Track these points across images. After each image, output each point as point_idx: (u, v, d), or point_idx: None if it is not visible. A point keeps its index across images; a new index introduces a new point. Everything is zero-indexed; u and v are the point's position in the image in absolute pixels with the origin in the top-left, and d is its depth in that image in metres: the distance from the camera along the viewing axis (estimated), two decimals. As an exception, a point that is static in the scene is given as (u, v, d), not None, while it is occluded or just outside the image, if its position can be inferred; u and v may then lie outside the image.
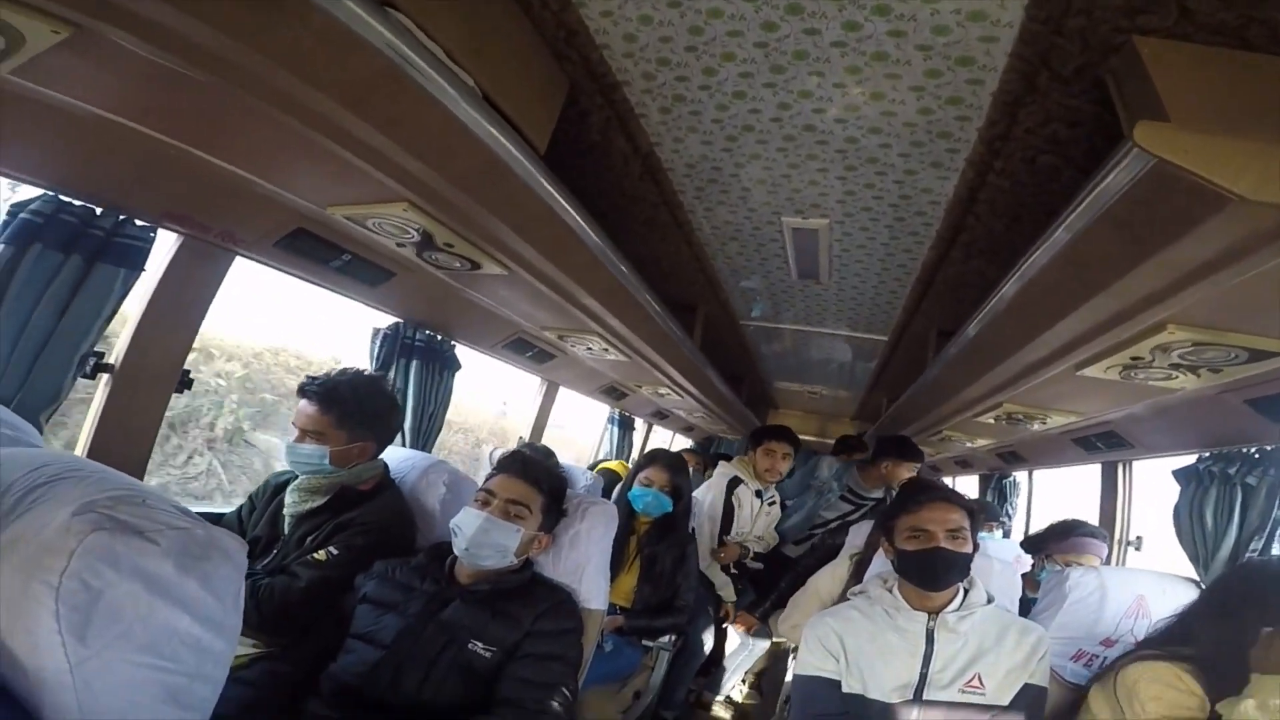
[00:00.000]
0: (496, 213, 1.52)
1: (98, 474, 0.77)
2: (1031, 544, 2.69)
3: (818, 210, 2.08)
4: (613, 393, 4.23)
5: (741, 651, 3.52)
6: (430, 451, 2.50)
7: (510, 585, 1.64)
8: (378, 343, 2.36)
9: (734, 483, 3.35)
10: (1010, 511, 4.57)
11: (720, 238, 2.47)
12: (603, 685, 2.31)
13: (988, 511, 3.69)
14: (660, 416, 5.59)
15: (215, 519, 1.87)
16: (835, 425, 6.38)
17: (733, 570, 3.34)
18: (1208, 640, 1.45)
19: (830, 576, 2.32)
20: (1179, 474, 2.33)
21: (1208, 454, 2.22)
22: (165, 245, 1.67)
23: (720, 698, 3.49)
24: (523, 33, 1.42)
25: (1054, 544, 2.59)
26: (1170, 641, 1.54)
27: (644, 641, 2.53)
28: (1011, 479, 4.65)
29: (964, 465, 5.09)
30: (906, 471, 3.45)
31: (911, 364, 3.45)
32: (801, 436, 6.16)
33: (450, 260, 1.83)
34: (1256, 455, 2.05)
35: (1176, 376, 1.73)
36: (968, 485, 5.56)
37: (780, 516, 3.61)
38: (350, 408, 1.77)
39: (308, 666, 1.53)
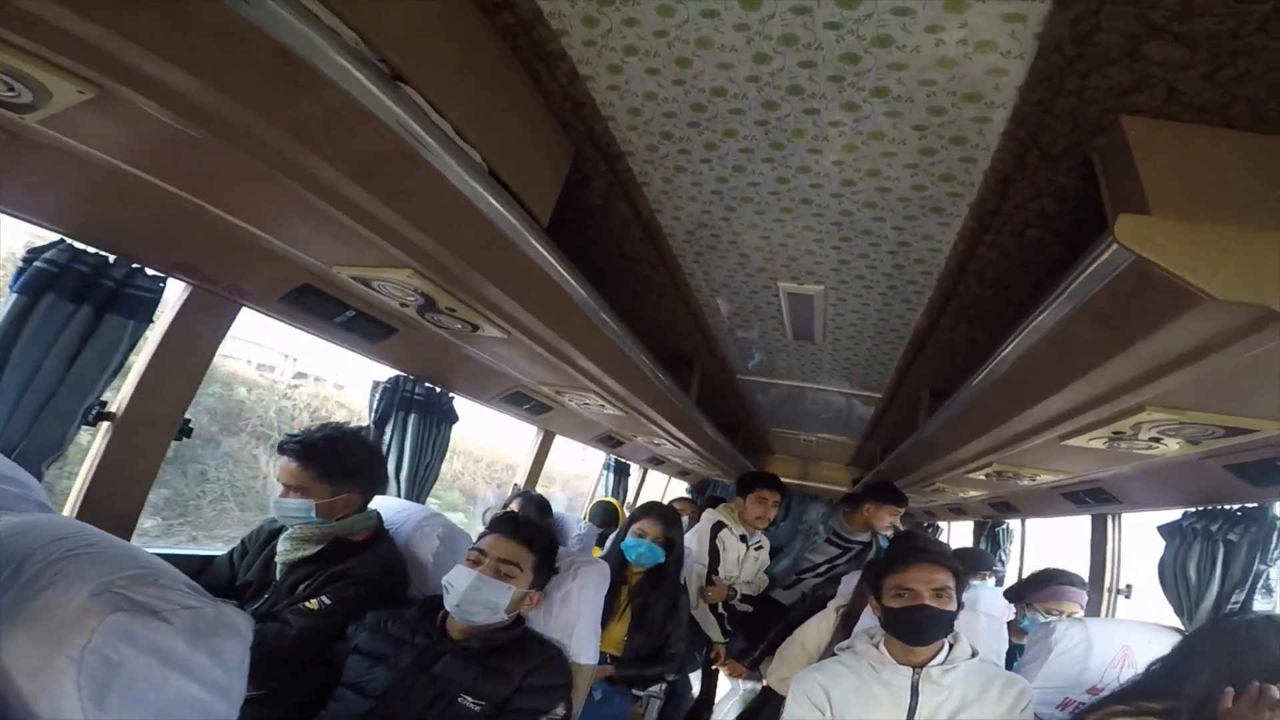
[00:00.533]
0: (497, 282, 1.55)
1: (113, 550, 0.84)
2: (1013, 593, 2.72)
3: (813, 277, 2.13)
4: (609, 441, 4.24)
5: (731, 698, 3.46)
6: (424, 502, 2.50)
7: (501, 641, 1.66)
8: (377, 396, 2.39)
9: (718, 527, 3.38)
10: (1004, 558, 4.58)
11: (718, 299, 2.51)
12: None
13: (980, 561, 3.69)
14: (656, 462, 5.57)
15: (207, 561, 1.93)
16: (831, 471, 6.36)
17: (720, 611, 3.33)
18: (1179, 695, 1.45)
19: (816, 629, 2.32)
20: (1164, 530, 2.38)
21: (1192, 511, 2.26)
22: (173, 295, 1.68)
23: None
24: (531, 103, 1.47)
25: (1034, 593, 2.62)
26: (1141, 695, 1.54)
27: (633, 690, 2.51)
28: (1005, 526, 4.66)
29: (958, 512, 5.09)
30: (889, 515, 3.46)
31: (905, 419, 3.48)
32: (797, 482, 6.21)
33: (451, 322, 1.86)
34: (1239, 513, 2.09)
35: (1158, 445, 1.75)
36: (962, 531, 5.55)
37: (769, 562, 3.62)
38: (329, 462, 1.79)
39: (295, 713, 1.55)
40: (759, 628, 3.39)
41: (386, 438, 2.37)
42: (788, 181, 1.63)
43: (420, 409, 2.44)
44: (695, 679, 3.37)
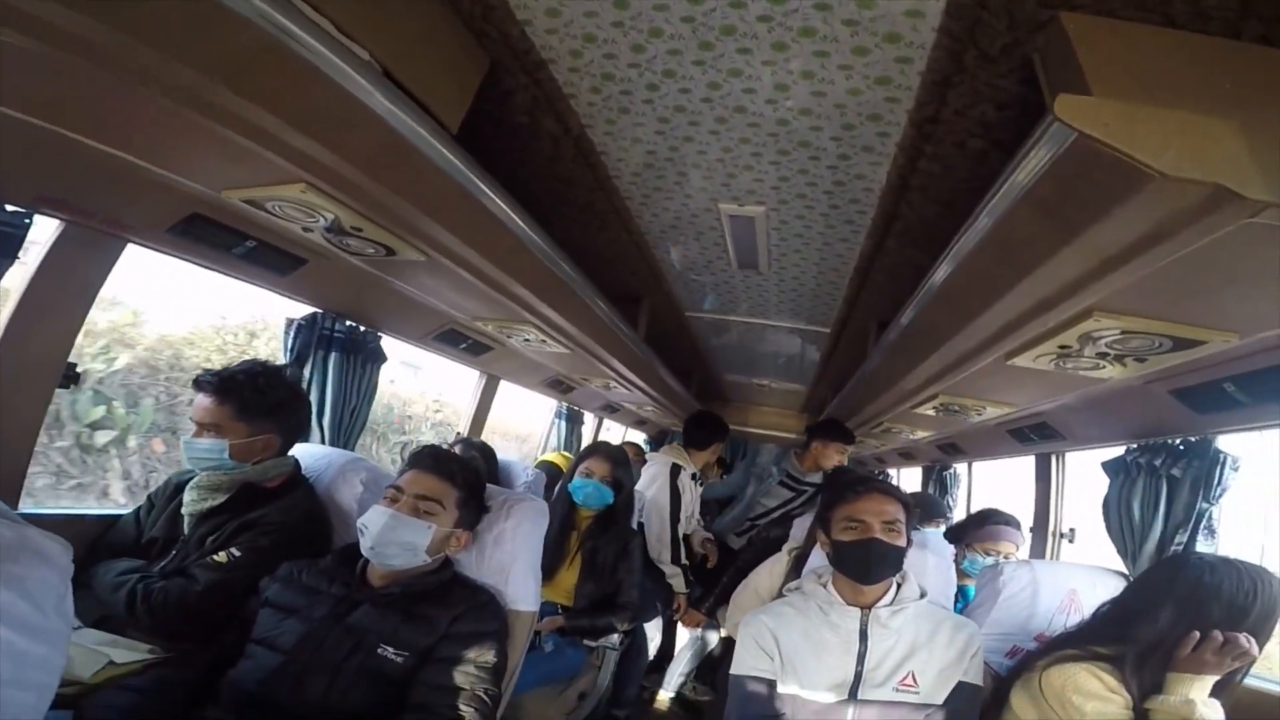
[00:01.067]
0: (405, 194, 1.44)
1: None
2: (951, 534, 2.75)
3: (753, 197, 2.04)
4: (558, 386, 4.15)
5: (691, 646, 3.50)
6: (353, 450, 2.39)
7: (426, 587, 1.56)
8: (291, 334, 2.24)
9: (675, 470, 3.35)
10: (951, 503, 4.67)
11: (660, 225, 2.41)
12: (544, 687, 2.24)
13: (932, 507, 3.76)
14: (610, 410, 5.53)
15: (113, 520, 1.79)
16: (785, 418, 6.41)
17: (684, 561, 3.33)
18: (1130, 639, 1.46)
19: (769, 573, 2.30)
20: (1108, 465, 2.39)
21: (1135, 446, 2.26)
22: (45, 233, 1.54)
23: (670, 694, 3.46)
24: (432, 7, 1.34)
25: (972, 533, 2.65)
26: (1091, 639, 1.55)
27: (586, 641, 2.46)
28: (952, 471, 4.75)
29: (907, 457, 5.18)
30: (836, 453, 3.50)
31: (854, 356, 3.46)
32: (752, 430, 6.24)
33: (363, 246, 1.73)
34: (1181, 447, 2.09)
35: (1104, 366, 1.74)
36: (911, 477, 5.67)
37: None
38: (248, 397, 1.69)
39: (205, 673, 1.45)
40: (713, 574, 3.42)
41: (305, 381, 2.24)
42: (719, 87, 1.52)
43: (342, 348, 2.31)
44: (655, 629, 3.36)
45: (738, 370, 5.13)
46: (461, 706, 1.41)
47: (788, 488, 3.67)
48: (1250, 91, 0.96)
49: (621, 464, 2.59)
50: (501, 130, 1.81)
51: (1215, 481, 2.01)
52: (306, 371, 2.25)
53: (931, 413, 2.94)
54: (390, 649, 1.45)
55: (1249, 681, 1.63)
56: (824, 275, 2.63)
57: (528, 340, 2.86)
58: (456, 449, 2.71)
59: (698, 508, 3.65)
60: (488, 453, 2.78)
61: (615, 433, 6.45)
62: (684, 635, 3.53)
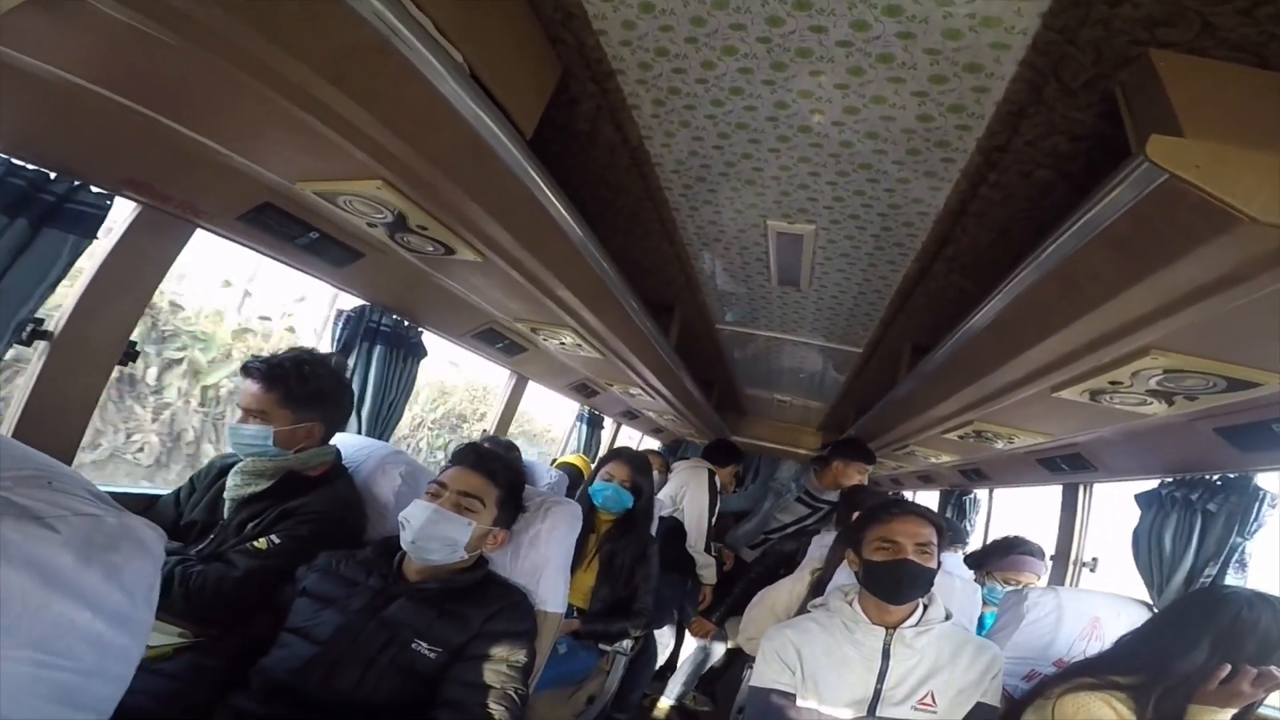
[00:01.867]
0: (474, 196, 1.45)
1: (9, 451, 0.68)
2: (973, 561, 2.73)
3: (804, 215, 2.05)
4: (583, 390, 4.17)
5: (695, 656, 3.48)
6: (388, 441, 2.41)
7: (461, 584, 1.57)
8: (340, 324, 2.27)
9: (712, 475, 3.53)
10: (969, 528, 4.61)
11: (704, 238, 2.42)
12: (556, 689, 2.24)
13: (954, 533, 3.73)
14: (630, 416, 5.53)
15: (152, 500, 1.81)
16: (801, 435, 6.39)
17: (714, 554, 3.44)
18: (1160, 670, 1.44)
19: (789, 591, 2.28)
20: (1140, 498, 2.35)
21: (1170, 479, 2.23)
22: (123, 213, 1.57)
23: (670, 702, 3.44)
24: (518, 12, 1.36)
25: (994, 561, 2.62)
26: (1112, 669, 1.52)
27: (599, 645, 2.47)
28: (972, 496, 4.69)
29: (926, 480, 5.13)
30: (856, 473, 3.50)
31: (882, 377, 3.45)
32: (768, 445, 6.22)
33: (423, 244, 1.74)
34: (1219, 482, 2.07)
35: (1150, 403, 1.72)
36: (928, 501, 5.61)
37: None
38: (294, 385, 1.69)
39: (237, 659, 1.45)
40: (724, 585, 3.42)
41: (349, 371, 2.25)
42: (787, 107, 1.53)
43: (386, 341, 2.33)
44: (669, 639, 3.40)
45: (758, 384, 5.11)
46: (491, 705, 1.40)
47: (805, 504, 3.67)
48: None
49: (642, 469, 2.59)
50: (563, 136, 1.83)
51: (1252, 517, 1.99)
52: (351, 362, 2.27)
53: (958, 439, 2.92)
54: (424, 644, 1.45)
55: (1262, 710, 1.59)
56: (864, 296, 2.63)
57: (563, 344, 2.87)
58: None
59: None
60: (513, 453, 2.80)
61: (631, 439, 6.45)
62: (689, 644, 3.51)
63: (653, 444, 6.75)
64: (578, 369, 3.59)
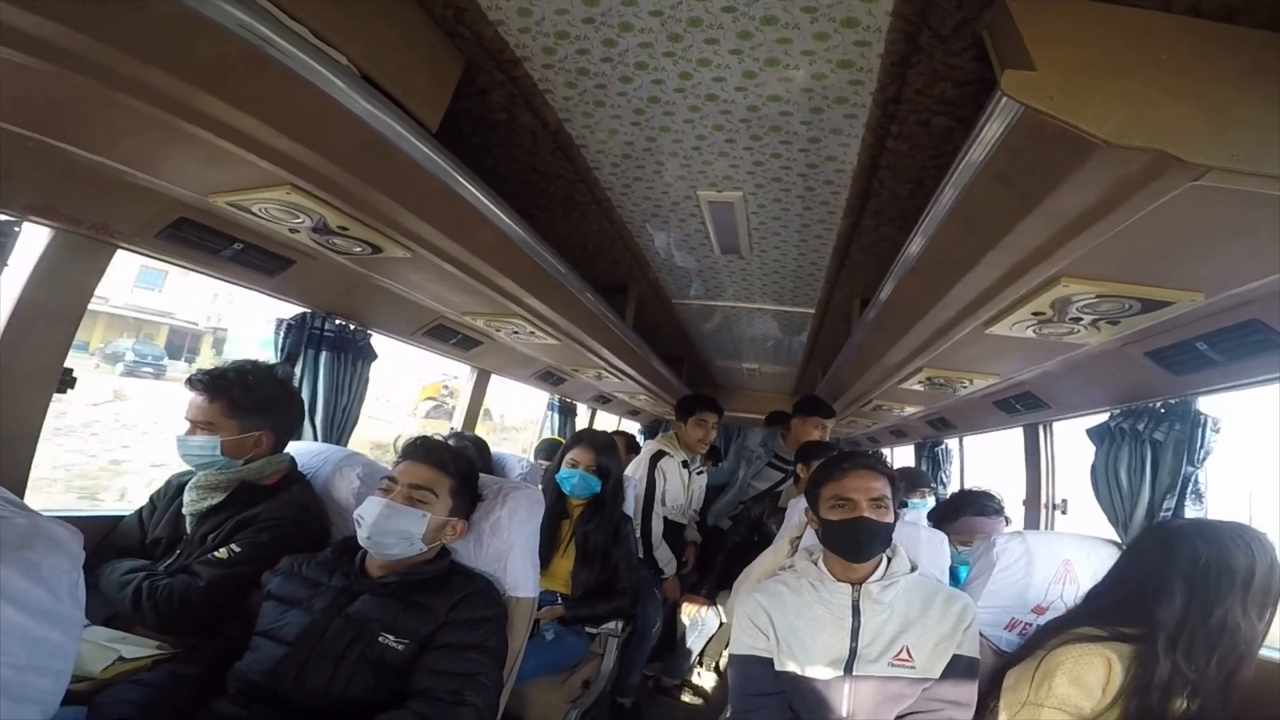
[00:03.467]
0: (388, 192, 1.47)
1: None
2: (932, 522, 2.64)
3: (730, 183, 2.09)
4: (549, 378, 4.19)
5: (693, 631, 3.52)
6: (345, 445, 2.43)
7: (424, 575, 1.59)
8: (281, 333, 2.27)
9: (657, 457, 3.39)
10: (945, 479, 4.71)
11: (642, 215, 2.45)
12: (548, 676, 2.27)
13: (918, 478, 3.79)
14: (603, 401, 5.56)
15: (114, 520, 1.83)
16: (777, 402, 6.45)
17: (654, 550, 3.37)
18: (1139, 618, 1.42)
19: (770, 562, 2.25)
20: (1092, 432, 2.40)
21: (1118, 411, 2.29)
22: (39, 240, 1.57)
23: (678, 681, 3.45)
24: (406, 11, 1.38)
25: (948, 524, 2.53)
26: (1097, 619, 1.50)
27: (587, 629, 2.49)
28: (944, 447, 4.80)
29: (899, 435, 5.24)
30: (815, 428, 3.50)
31: (839, 336, 3.51)
32: (744, 415, 6.28)
33: (349, 245, 1.76)
34: (1162, 410, 2.12)
35: (1079, 331, 1.78)
36: (904, 455, 5.73)
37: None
38: (238, 395, 1.72)
39: (214, 666, 1.48)
40: (706, 559, 3.46)
41: (296, 380, 2.27)
42: (690, 77, 1.57)
43: (332, 346, 2.34)
44: (657, 618, 3.36)
45: (728, 356, 5.17)
46: (465, 691, 1.43)
47: (776, 468, 3.70)
48: (1185, 61, 1.01)
49: (607, 450, 2.60)
50: (480, 127, 1.85)
51: (1198, 444, 2.03)
52: (298, 370, 2.28)
53: (919, 387, 2.98)
54: (391, 637, 1.47)
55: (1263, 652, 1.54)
56: (805, 256, 2.68)
57: (516, 333, 2.90)
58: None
59: (697, 497, 3.66)
60: (481, 446, 2.81)
61: (609, 424, 6.49)
62: (686, 622, 3.53)
63: (631, 427, 6.80)
64: (538, 357, 3.61)
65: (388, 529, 1.54)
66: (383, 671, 1.45)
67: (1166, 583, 1.42)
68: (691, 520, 3.71)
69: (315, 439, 2.34)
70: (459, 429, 3.48)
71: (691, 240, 2.66)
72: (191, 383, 1.73)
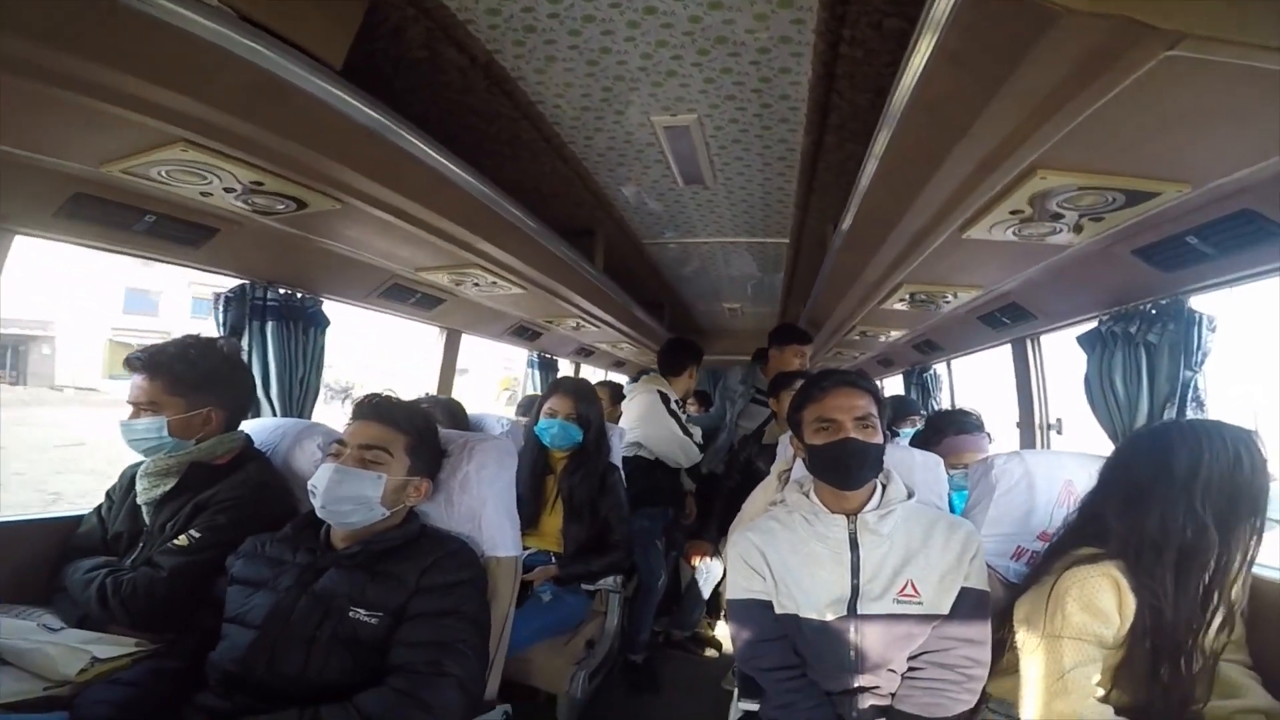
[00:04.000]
0: (297, 138, 1.36)
1: None
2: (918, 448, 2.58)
3: (684, 104, 1.96)
4: (524, 333, 4.09)
5: (700, 581, 3.48)
6: (309, 418, 2.34)
7: (390, 543, 1.50)
8: (221, 308, 2.16)
9: (664, 397, 3.33)
10: (935, 405, 4.65)
11: (597, 150, 2.32)
12: (550, 639, 2.23)
13: (907, 405, 3.75)
14: (585, 354, 5.48)
15: (76, 520, 1.75)
16: (760, 341, 6.40)
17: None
18: (1136, 536, 1.34)
19: (764, 498, 2.17)
20: (1083, 339, 2.29)
21: (1107, 315, 2.19)
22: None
23: (689, 633, 3.42)
24: None
25: (933, 448, 2.37)
26: (1098, 538, 1.41)
27: (584, 586, 2.40)
28: (932, 372, 4.73)
29: (886, 364, 5.20)
30: (794, 356, 3.43)
31: (816, 264, 3.41)
32: (731, 357, 6.22)
33: (270, 203, 1.65)
34: (1153, 311, 2.02)
35: (1062, 231, 1.69)
36: (894, 385, 5.69)
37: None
38: (180, 370, 1.63)
39: (195, 658, 1.42)
40: (707, 506, 3.38)
41: (244, 354, 2.16)
42: None
43: (278, 316, 2.22)
44: (661, 569, 3.32)
45: (708, 298, 5.07)
46: (444, 661, 1.36)
47: (760, 404, 3.63)
48: None
49: (586, 398, 2.50)
50: (402, 67, 1.71)
51: (1195, 345, 1.93)
52: (245, 345, 2.17)
53: (901, 307, 2.90)
54: (362, 611, 1.40)
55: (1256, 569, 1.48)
56: (771, 181, 2.56)
57: (478, 285, 2.79)
58: None
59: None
60: (455, 409, 2.70)
61: (594, 377, 6.42)
62: (688, 573, 3.49)
63: (621, 379, 6.73)
64: (509, 311, 3.50)
65: (341, 495, 1.45)
66: (359, 650, 1.38)
67: (1118, 489, 1.39)
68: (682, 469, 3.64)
69: (274, 415, 2.25)
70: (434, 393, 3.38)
71: (653, 172, 2.53)
72: (130, 363, 1.63)
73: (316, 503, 1.46)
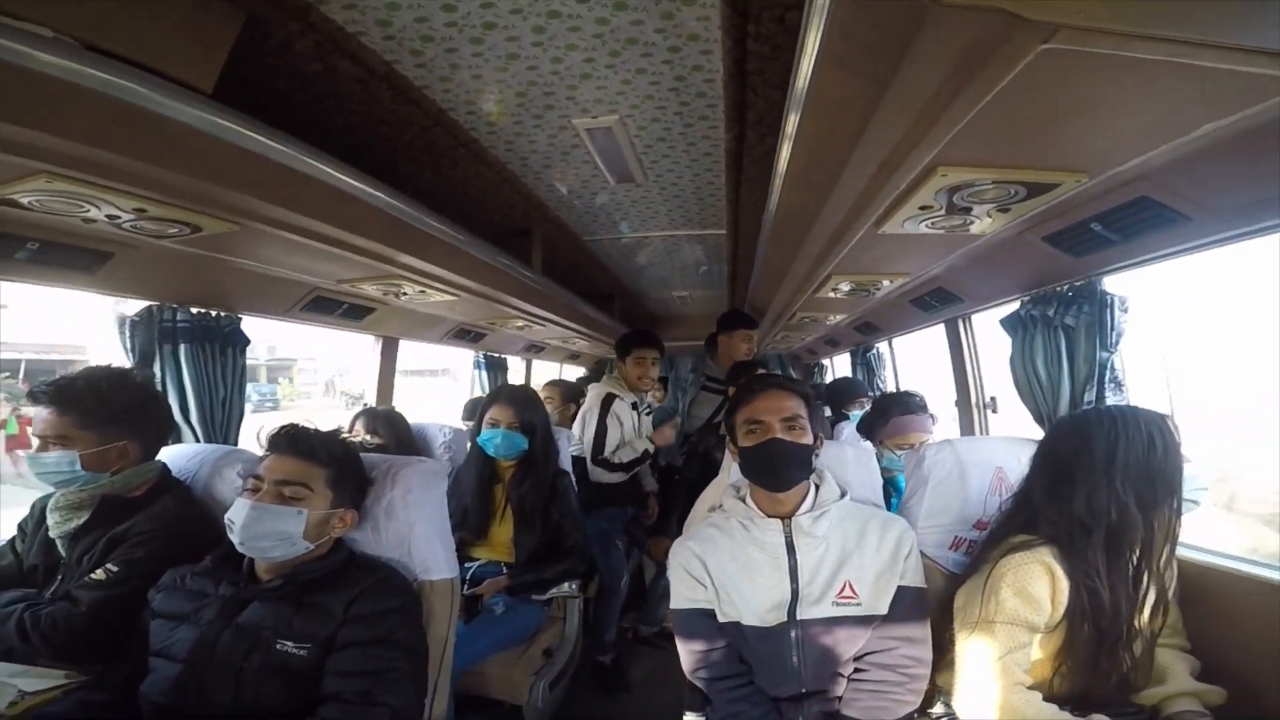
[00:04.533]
0: (171, 165, 1.29)
1: None
2: (864, 432, 2.60)
3: (603, 106, 1.92)
4: (466, 335, 4.01)
5: (662, 577, 3.47)
6: (236, 443, 2.25)
7: (315, 573, 1.48)
8: (128, 333, 2.06)
9: (608, 400, 3.17)
10: (880, 385, 4.74)
11: (521, 153, 2.26)
12: (504, 650, 2.20)
13: (854, 388, 3.77)
14: (535, 350, 5.41)
15: None
16: (711, 327, 6.40)
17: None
18: (1066, 520, 1.39)
19: (716, 495, 2.09)
20: (1005, 323, 2.34)
21: (1028, 298, 2.25)
22: None
23: (655, 629, 3.42)
24: None
25: (879, 431, 2.50)
26: (1028, 526, 1.46)
27: (535, 596, 2.36)
28: (875, 352, 4.81)
29: (833, 345, 5.26)
30: (742, 340, 3.44)
31: (753, 253, 3.41)
32: (685, 343, 6.21)
33: (161, 228, 1.57)
34: (1069, 293, 2.07)
35: (974, 222, 1.70)
36: (843, 363, 5.77)
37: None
38: (91, 405, 1.59)
39: (124, 691, 1.40)
40: (668, 501, 3.37)
41: (158, 380, 2.08)
42: None
43: (190, 338, 2.13)
44: (622, 567, 3.23)
45: (659, 287, 5.05)
46: (375, 691, 1.34)
47: (712, 391, 3.61)
48: None
49: (528, 405, 2.46)
50: (299, 83, 1.64)
51: (1109, 327, 1.99)
52: (157, 370, 2.09)
53: (835, 295, 2.92)
54: (289, 643, 1.37)
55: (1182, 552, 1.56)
56: (700, 176, 2.55)
57: (406, 295, 2.71)
58: (359, 422, 2.57)
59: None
60: (396, 420, 2.63)
61: (550, 372, 6.37)
62: (652, 569, 3.47)
63: (576, 372, 6.69)
64: (446, 315, 3.43)
65: (260, 532, 1.42)
66: (291, 679, 1.37)
67: (1046, 476, 1.44)
68: (646, 469, 3.50)
69: (196, 440, 2.16)
70: (370, 404, 3.30)
71: (583, 172, 2.48)
72: (34, 396, 1.58)
73: (235, 538, 1.43)
